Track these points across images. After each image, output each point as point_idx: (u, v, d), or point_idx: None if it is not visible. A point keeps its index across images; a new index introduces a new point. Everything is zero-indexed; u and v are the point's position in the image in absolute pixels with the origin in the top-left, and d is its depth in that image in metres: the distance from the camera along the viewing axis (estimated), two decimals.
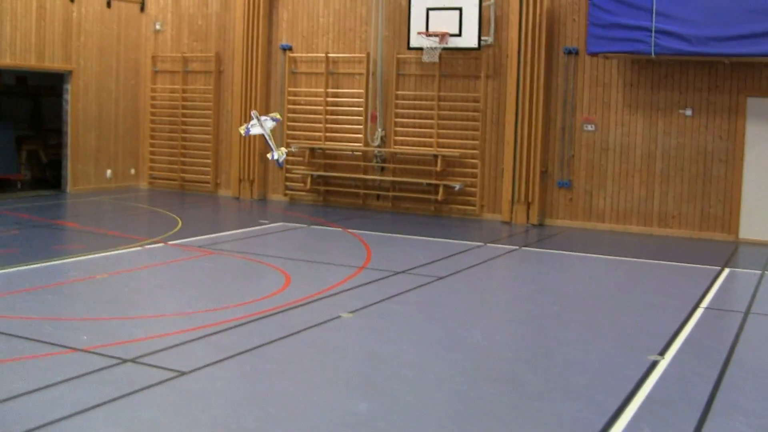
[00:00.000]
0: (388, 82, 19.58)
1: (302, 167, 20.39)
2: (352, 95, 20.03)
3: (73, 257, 13.11)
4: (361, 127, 19.87)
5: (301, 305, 10.42)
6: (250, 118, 15.25)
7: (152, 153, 22.83)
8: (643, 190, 17.30)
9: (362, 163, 19.91)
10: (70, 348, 8.26)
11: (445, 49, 18.28)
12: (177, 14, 22.31)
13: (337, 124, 20.23)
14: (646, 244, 16.34)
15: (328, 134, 20.26)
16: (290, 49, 20.70)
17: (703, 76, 16.76)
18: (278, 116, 15.41)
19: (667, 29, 15.80)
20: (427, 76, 19.14)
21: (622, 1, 16.15)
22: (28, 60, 19.86)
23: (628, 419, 6.92)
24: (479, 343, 9.19)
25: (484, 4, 18.04)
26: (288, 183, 20.85)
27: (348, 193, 20.18)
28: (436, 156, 18.77)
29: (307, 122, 20.54)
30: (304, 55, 20.59)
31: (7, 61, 19.41)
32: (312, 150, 20.21)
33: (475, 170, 18.70)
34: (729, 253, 15.34)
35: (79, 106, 21.11)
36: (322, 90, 20.28)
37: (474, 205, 18.76)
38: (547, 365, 8.43)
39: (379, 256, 14.03)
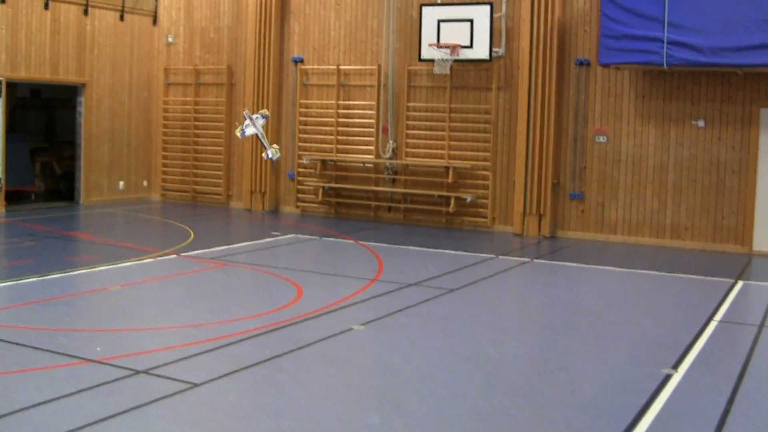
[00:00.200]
0: (399, 94, 19.60)
1: (314, 179, 20.42)
2: (363, 107, 20.05)
3: (86, 269, 13.16)
4: (372, 139, 19.89)
5: (313, 317, 10.42)
6: (243, 119, 15.35)
7: (164, 165, 22.89)
8: (656, 201, 17.26)
9: (374, 175, 19.93)
10: (84, 359, 8.28)
11: (456, 60, 18.28)
12: (189, 27, 22.39)
13: (349, 136, 20.25)
14: (659, 256, 16.30)
15: (339, 146, 20.28)
16: (302, 61, 20.75)
17: (716, 86, 16.72)
18: (267, 112, 15.51)
19: (679, 40, 15.76)
20: (439, 88, 19.16)
21: (634, 12, 16.13)
22: (42, 73, 19.95)
23: None
24: (491, 355, 9.18)
25: (495, 15, 18.05)
26: (299, 195, 20.87)
27: (359, 205, 20.18)
28: (447, 168, 18.77)
29: (319, 134, 20.56)
30: (315, 67, 20.63)
31: (22, 74, 19.51)
32: (323, 162, 20.23)
33: (486, 182, 18.69)
34: (742, 266, 15.28)
35: (92, 118, 21.19)
36: (333, 102, 20.31)
37: (485, 217, 18.75)
38: (559, 378, 8.41)
39: (390, 268, 14.03)
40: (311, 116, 20.68)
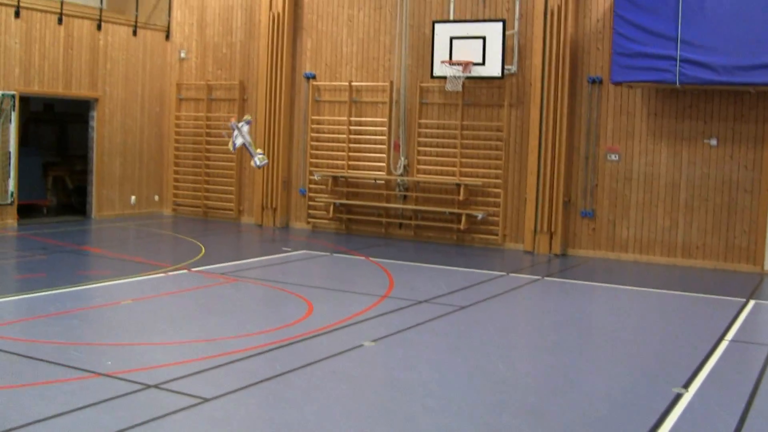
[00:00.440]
0: (411, 110, 19.62)
1: (325, 195, 20.44)
2: (375, 124, 20.08)
3: (98, 283, 13.18)
4: (384, 155, 19.91)
5: (324, 333, 10.42)
6: (231, 131, 15.43)
7: (176, 180, 22.95)
8: (667, 220, 17.23)
9: (385, 192, 19.93)
10: (95, 373, 8.29)
11: (468, 77, 18.31)
12: (202, 42, 22.47)
13: (360, 152, 20.28)
14: (670, 274, 16.25)
15: (351, 162, 20.31)
16: (314, 77, 20.80)
17: (729, 105, 16.71)
18: (249, 117, 15.61)
19: (692, 58, 15.75)
20: (451, 105, 19.18)
21: (647, 30, 16.13)
22: (55, 87, 20.05)
23: None
24: (502, 373, 9.16)
25: (507, 33, 18.07)
26: (310, 211, 20.90)
27: (370, 221, 20.19)
28: (458, 185, 18.77)
29: (330, 150, 20.60)
30: (327, 83, 20.68)
31: (35, 88, 19.61)
32: (335, 178, 20.25)
33: (497, 199, 18.69)
34: (754, 285, 15.23)
35: (104, 133, 21.27)
36: (345, 118, 20.35)
37: (496, 235, 18.73)
38: (570, 396, 8.38)
39: (401, 284, 14.02)
40: (323, 132, 20.72)
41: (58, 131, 24.59)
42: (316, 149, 20.78)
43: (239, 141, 16.04)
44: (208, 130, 22.26)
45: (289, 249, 17.65)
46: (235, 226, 21.31)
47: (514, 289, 14.17)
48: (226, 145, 21.61)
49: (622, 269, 16.64)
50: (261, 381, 8.31)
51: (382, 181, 19.92)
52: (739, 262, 16.66)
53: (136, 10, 22.00)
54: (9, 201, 18.92)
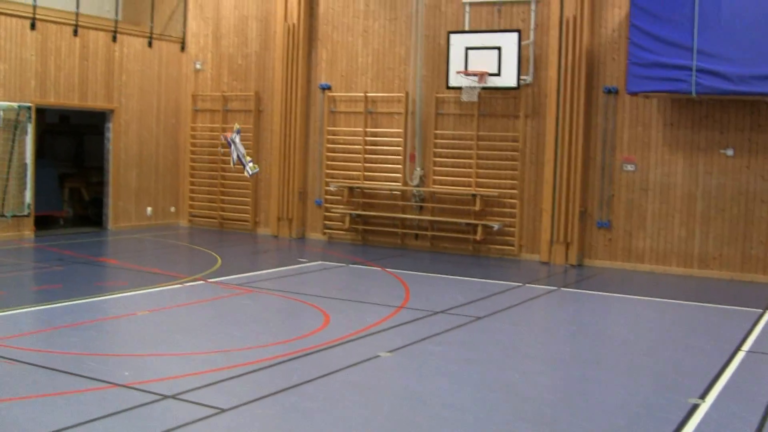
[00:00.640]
0: (426, 121, 19.62)
1: (341, 206, 20.45)
2: (390, 134, 20.09)
3: (114, 294, 13.22)
4: (399, 166, 19.92)
5: (340, 344, 10.41)
6: (227, 145, 15.55)
7: (192, 191, 23.00)
8: (684, 230, 17.17)
9: (401, 203, 19.94)
10: (112, 383, 8.31)
11: (484, 88, 18.28)
12: (217, 54, 22.53)
13: (376, 163, 20.29)
14: (686, 285, 16.19)
15: (366, 173, 20.32)
16: (329, 88, 20.83)
17: (745, 115, 16.65)
18: (239, 126, 15.70)
19: (708, 68, 15.72)
20: (466, 116, 19.17)
21: (662, 40, 16.10)
22: (71, 99, 20.13)
23: None
24: (518, 384, 9.13)
25: (523, 43, 18.07)
26: (326, 222, 20.91)
27: (386, 232, 20.19)
28: (474, 195, 18.75)
29: (346, 161, 20.62)
30: (343, 94, 20.70)
31: (51, 99, 19.69)
32: (351, 189, 20.27)
33: (513, 210, 18.66)
34: None
35: (120, 144, 21.34)
36: (360, 129, 20.37)
37: (513, 245, 18.70)
38: (586, 407, 8.35)
39: (417, 295, 14.01)
40: (338, 143, 20.74)
41: (74, 143, 24.69)
42: (332, 160, 20.80)
43: (236, 155, 16.17)
44: (224, 141, 22.25)
45: (305, 260, 17.66)
46: (251, 237, 21.33)
47: (530, 300, 14.14)
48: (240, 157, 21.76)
49: (638, 280, 16.58)
50: (277, 392, 8.31)
51: (398, 192, 19.92)
52: (756, 272, 16.58)
53: (152, 21, 22.09)
54: (26, 212, 18.99)
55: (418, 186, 19.62)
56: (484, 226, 18.64)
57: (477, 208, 18.68)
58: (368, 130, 20.31)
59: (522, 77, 18.12)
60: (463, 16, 18.97)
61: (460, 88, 18.45)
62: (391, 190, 19.99)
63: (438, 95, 19.42)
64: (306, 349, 10.03)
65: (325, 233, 20.92)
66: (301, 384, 8.61)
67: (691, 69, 15.85)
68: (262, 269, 16.61)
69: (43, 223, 20.25)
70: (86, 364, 9.02)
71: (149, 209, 22.26)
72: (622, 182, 17.68)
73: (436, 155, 19.52)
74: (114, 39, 21.01)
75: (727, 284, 16.30)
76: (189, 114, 22.93)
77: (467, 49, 18.32)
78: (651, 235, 17.44)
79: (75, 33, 20.02)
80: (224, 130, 22.09)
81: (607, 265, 17.76)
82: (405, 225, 19.99)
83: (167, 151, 22.72)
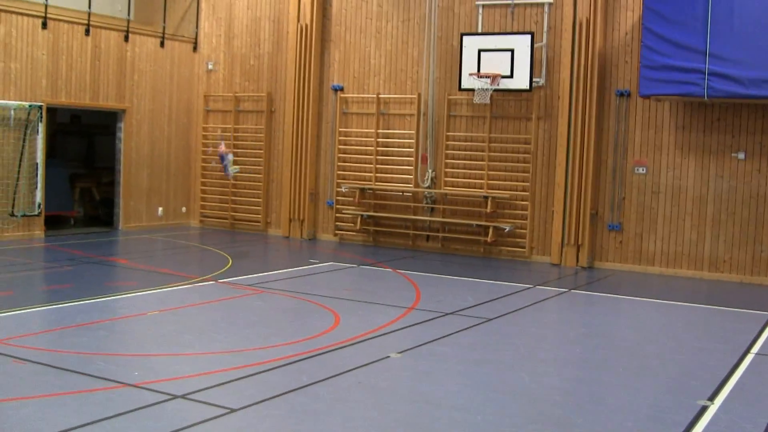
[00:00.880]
0: (438, 122, 19.62)
1: (352, 207, 20.46)
2: (402, 136, 20.09)
3: (124, 294, 13.24)
4: (411, 167, 19.91)
5: (350, 345, 10.41)
6: (219, 161, 15.90)
7: (203, 191, 23.02)
8: (694, 233, 17.13)
9: (412, 204, 19.93)
10: (122, 383, 8.32)
11: (496, 90, 18.27)
12: (229, 54, 22.56)
13: (388, 164, 20.29)
14: (697, 288, 16.16)
15: (378, 174, 20.32)
16: (341, 89, 20.84)
17: (757, 119, 16.61)
18: (221, 134, 15.92)
19: (720, 71, 15.68)
20: (478, 118, 19.16)
21: (675, 43, 16.08)
22: (82, 99, 20.17)
23: None
24: (527, 385, 9.12)
25: (536, 45, 18.05)
26: (338, 223, 20.92)
27: (398, 233, 20.18)
28: (486, 197, 18.74)
29: (358, 162, 20.62)
30: (355, 95, 20.71)
31: (63, 99, 19.73)
32: (362, 190, 20.27)
33: (525, 212, 18.64)
34: None
35: (131, 144, 21.37)
36: (372, 130, 20.37)
37: (523, 247, 18.69)
38: (595, 409, 8.34)
39: (428, 296, 14.01)
40: (350, 144, 20.75)
41: (85, 143, 24.75)
42: (344, 161, 20.81)
43: (231, 168, 16.54)
44: (235, 142, 22.29)
45: (316, 261, 17.67)
46: (263, 237, 21.35)
47: (540, 302, 14.12)
48: (254, 156, 21.81)
49: (648, 282, 16.56)
50: (287, 392, 8.31)
51: (410, 194, 19.92)
52: (766, 275, 16.54)
53: (164, 21, 22.12)
54: (36, 212, 19.03)
55: (429, 187, 19.61)
56: (495, 228, 18.63)
57: (488, 209, 18.67)
58: (380, 131, 20.31)
59: (534, 79, 18.10)
60: (476, 18, 18.97)
61: (472, 90, 18.44)
62: (402, 191, 19.99)
63: (450, 97, 19.41)
64: (316, 349, 10.03)
65: (336, 234, 20.93)
66: (311, 384, 8.61)
67: (703, 72, 15.81)
68: (272, 270, 16.61)
69: (53, 223, 20.29)
70: (96, 364, 9.03)
71: (160, 209, 22.29)
72: (633, 185, 17.65)
73: (447, 157, 19.51)
74: (126, 39, 21.05)
75: (737, 287, 16.27)
76: (201, 114, 22.95)
77: (480, 51, 18.31)
78: (662, 237, 17.41)
79: (87, 32, 20.05)
80: (236, 131, 22.16)
81: (618, 267, 17.73)
82: (416, 226, 19.98)
83: (179, 151, 22.75)
